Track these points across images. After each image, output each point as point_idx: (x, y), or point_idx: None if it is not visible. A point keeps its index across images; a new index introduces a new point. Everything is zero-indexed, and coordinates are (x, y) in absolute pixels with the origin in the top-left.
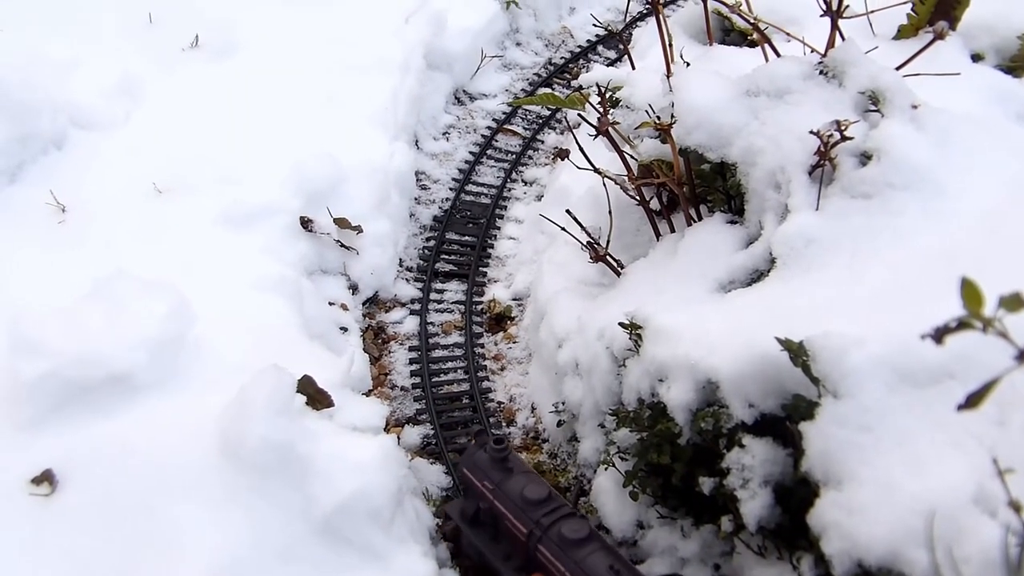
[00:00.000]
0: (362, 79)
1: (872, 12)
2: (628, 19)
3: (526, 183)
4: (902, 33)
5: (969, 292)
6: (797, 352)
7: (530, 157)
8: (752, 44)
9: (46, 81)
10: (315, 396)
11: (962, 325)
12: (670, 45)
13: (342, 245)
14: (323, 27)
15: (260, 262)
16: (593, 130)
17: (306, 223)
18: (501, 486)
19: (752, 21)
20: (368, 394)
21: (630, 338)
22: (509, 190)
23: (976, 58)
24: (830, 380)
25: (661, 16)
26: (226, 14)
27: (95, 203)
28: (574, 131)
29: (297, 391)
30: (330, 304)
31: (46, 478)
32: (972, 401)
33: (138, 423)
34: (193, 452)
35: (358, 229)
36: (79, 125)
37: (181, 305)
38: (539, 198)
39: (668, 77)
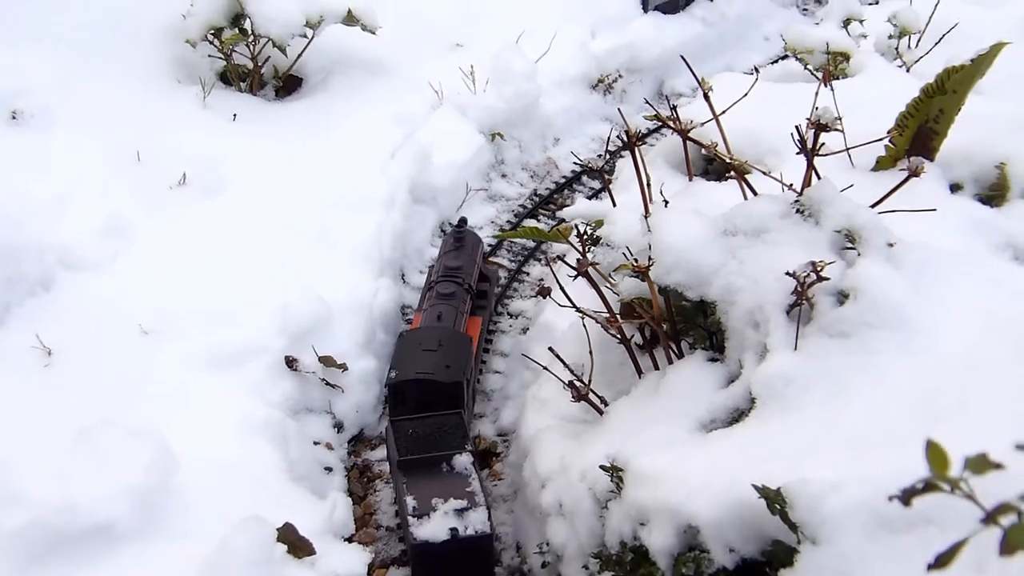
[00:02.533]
0: (348, 215)
1: (849, 149)
2: (609, 153)
3: (511, 316)
4: (880, 164)
5: (935, 455)
6: (774, 499)
7: (515, 290)
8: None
9: (34, 222)
10: (296, 544)
11: (929, 487)
12: (648, 184)
13: (327, 383)
14: (310, 163)
15: (245, 403)
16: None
17: (291, 362)
18: (446, 255)
19: (729, 161)
20: (351, 538)
21: (612, 480)
22: (495, 323)
23: (955, 188)
24: (808, 526)
25: (637, 155)
26: (213, 151)
27: (81, 346)
28: (554, 268)
29: (278, 540)
30: (315, 443)
31: None
32: (941, 561)
33: (120, 575)
34: None
35: (343, 367)
36: (67, 266)
37: (164, 453)
38: (524, 331)
39: (646, 217)
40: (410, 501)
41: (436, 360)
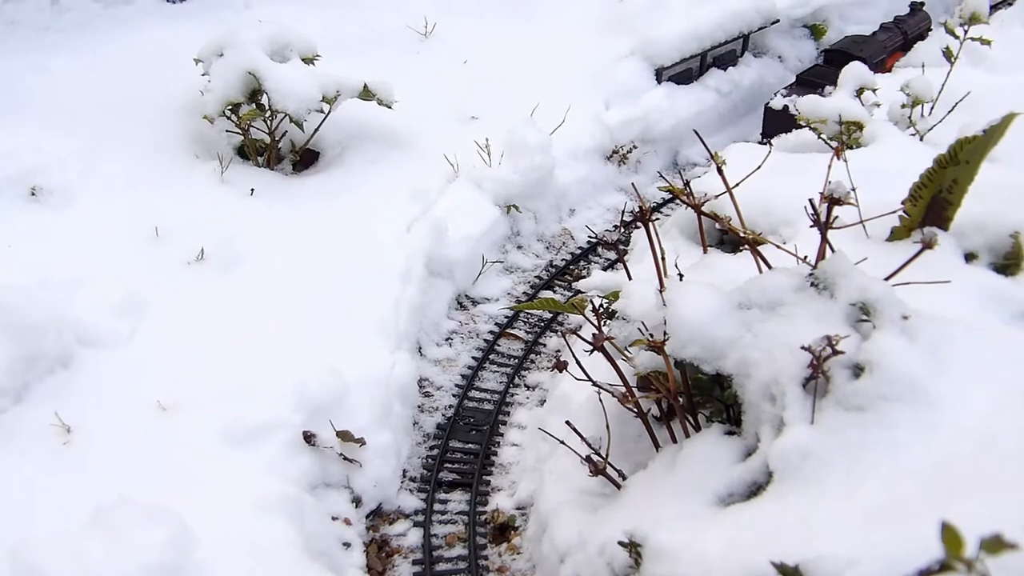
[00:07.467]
0: (365, 289)
1: (863, 221)
2: (624, 225)
3: (528, 388)
4: (895, 235)
5: (949, 536)
6: None
7: (532, 361)
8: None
9: (52, 300)
10: None
11: (944, 568)
12: (663, 258)
13: (345, 458)
14: (326, 237)
15: (262, 480)
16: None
17: (309, 438)
18: (900, 15)
19: (743, 235)
20: None
21: (630, 556)
22: (512, 395)
23: (970, 257)
24: None
25: (651, 230)
26: (231, 226)
27: (100, 423)
28: (568, 341)
29: None
30: (333, 519)
31: None
32: None
33: None
34: None
35: (361, 442)
36: (85, 343)
37: (181, 531)
38: (541, 403)
39: (661, 291)
40: (781, 89)
41: (855, 48)
